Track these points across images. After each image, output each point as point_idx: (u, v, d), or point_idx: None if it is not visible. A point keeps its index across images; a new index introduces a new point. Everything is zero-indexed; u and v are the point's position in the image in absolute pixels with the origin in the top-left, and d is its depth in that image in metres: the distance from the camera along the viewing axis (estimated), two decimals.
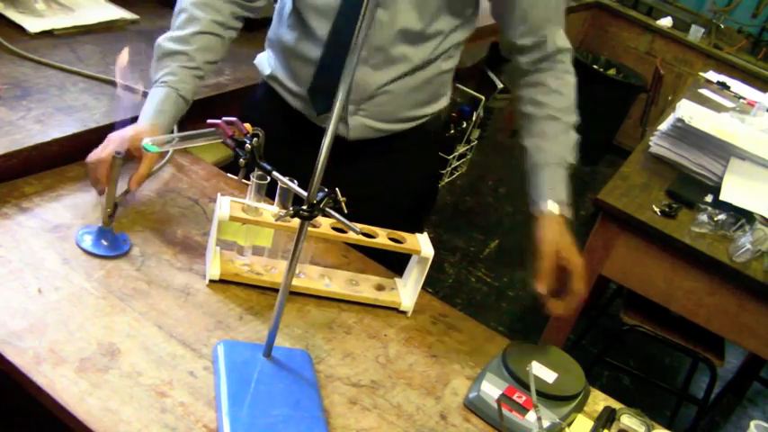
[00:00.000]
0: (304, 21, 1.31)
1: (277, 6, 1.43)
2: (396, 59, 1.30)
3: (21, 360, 0.87)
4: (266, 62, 1.47)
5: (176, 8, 1.31)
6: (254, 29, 2.01)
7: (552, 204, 1.26)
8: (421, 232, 1.22)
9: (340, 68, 1.34)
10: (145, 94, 1.26)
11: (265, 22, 2.08)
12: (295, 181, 0.96)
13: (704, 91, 3.43)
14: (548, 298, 1.17)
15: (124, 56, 1.20)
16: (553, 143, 1.32)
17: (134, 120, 1.22)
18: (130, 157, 1.15)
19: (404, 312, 1.19)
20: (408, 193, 1.52)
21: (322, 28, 1.29)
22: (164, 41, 1.27)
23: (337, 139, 1.37)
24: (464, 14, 1.34)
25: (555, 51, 1.34)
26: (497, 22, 1.37)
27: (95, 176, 1.14)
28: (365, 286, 1.19)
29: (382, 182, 1.46)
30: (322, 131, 1.38)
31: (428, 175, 1.60)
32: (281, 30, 1.40)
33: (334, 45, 1.29)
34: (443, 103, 1.48)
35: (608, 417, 1.09)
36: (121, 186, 1.18)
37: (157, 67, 1.27)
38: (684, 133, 2.35)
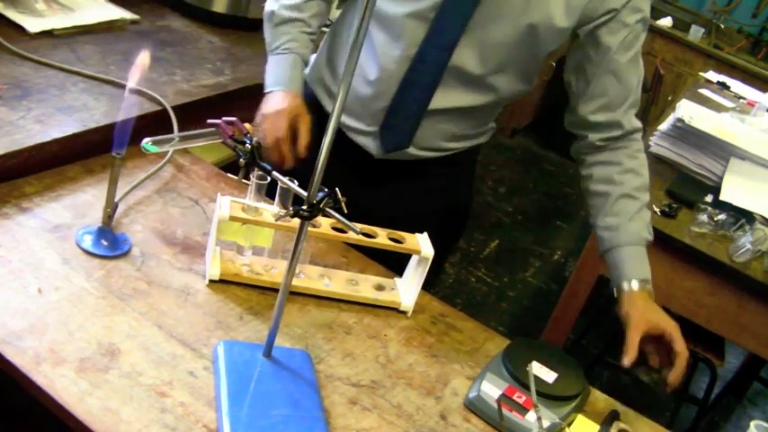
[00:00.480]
0: (377, 21, 1.28)
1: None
2: (446, 93, 1.28)
3: (21, 360, 0.87)
4: (311, 61, 1.46)
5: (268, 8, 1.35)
6: (253, 29, 2.01)
7: (635, 283, 1.22)
8: (443, 263, 1.19)
9: (416, 109, 1.31)
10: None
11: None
12: (295, 181, 0.96)
13: (704, 91, 3.43)
14: (665, 376, 1.15)
15: (146, 59, 1.19)
16: (631, 222, 1.27)
17: (138, 118, 1.21)
18: (292, 127, 1.21)
19: (404, 312, 1.19)
20: (434, 219, 1.42)
21: (390, 49, 1.27)
22: (279, 9, 1.30)
23: (364, 155, 1.37)
24: (528, 79, 1.32)
25: (630, 131, 1.30)
26: (568, 91, 1.32)
27: (280, 155, 1.19)
28: (365, 286, 1.19)
29: (407, 205, 1.42)
30: (354, 146, 1.39)
31: (460, 203, 1.55)
32: (342, 23, 1.39)
33: (410, 83, 1.28)
34: (485, 138, 1.45)
35: (611, 419, 1.09)
36: (121, 187, 1.18)
37: (275, 33, 1.30)
38: (684, 133, 2.35)
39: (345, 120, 1.36)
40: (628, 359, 1.13)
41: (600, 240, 1.29)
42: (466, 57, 1.24)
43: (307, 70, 1.44)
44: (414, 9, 1.22)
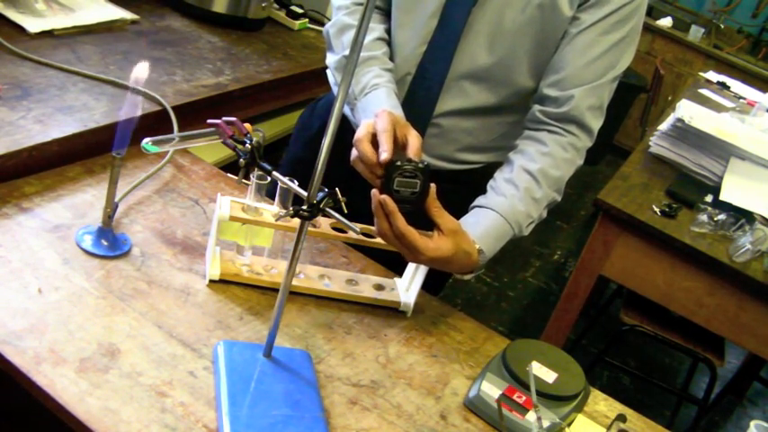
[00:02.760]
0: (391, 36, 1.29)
1: None
2: (457, 93, 1.27)
3: (21, 360, 0.87)
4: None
5: (333, 28, 1.30)
6: (253, 29, 2.01)
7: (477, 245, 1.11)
8: (443, 285, 1.14)
9: (429, 106, 1.28)
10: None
11: (265, 23, 2.10)
12: (295, 181, 0.96)
13: (704, 91, 3.43)
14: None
15: (144, 70, 1.18)
16: (520, 202, 1.17)
17: (142, 118, 1.20)
18: (396, 142, 1.05)
19: (404, 312, 1.19)
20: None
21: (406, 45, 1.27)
22: (346, 42, 1.26)
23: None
24: (540, 73, 1.26)
25: (574, 119, 1.21)
26: None
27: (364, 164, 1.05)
28: (365, 286, 1.19)
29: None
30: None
31: None
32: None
33: (421, 81, 1.27)
34: (502, 156, 1.30)
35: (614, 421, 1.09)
36: (121, 187, 1.18)
37: (354, 80, 1.22)
38: (684, 133, 2.35)
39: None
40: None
41: (487, 186, 1.21)
42: (475, 44, 1.23)
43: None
44: (424, 11, 1.23)
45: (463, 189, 1.29)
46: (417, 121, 1.27)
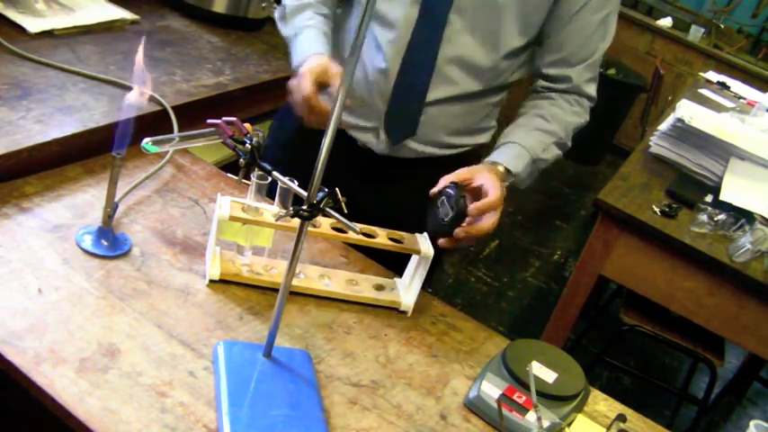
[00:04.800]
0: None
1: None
2: (443, 80, 1.29)
3: (21, 360, 0.87)
4: None
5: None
6: (253, 29, 2.01)
7: (501, 167, 1.21)
8: (434, 269, 1.17)
9: (418, 94, 1.29)
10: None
11: (265, 23, 2.09)
12: (295, 181, 0.96)
13: (704, 91, 3.43)
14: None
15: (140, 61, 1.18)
16: (529, 134, 1.27)
17: (138, 118, 1.21)
18: (324, 85, 1.17)
19: (404, 312, 1.19)
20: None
21: (385, 41, 1.28)
22: (288, 5, 1.32)
23: (366, 151, 1.37)
24: (527, 55, 1.33)
25: (576, 91, 1.32)
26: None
27: (311, 113, 1.16)
28: (365, 286, 1.19)
29: (404, 206, 1.39)
30: (353, 143, 1.38)
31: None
32: (343, 22, 1.40)
33: (409, 69, 1.28)
34: (486, 137, 1.44)
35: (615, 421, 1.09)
36: (121, 187, 1.18)
37: (289, 24, 1.30)
38: (684, 133, 2.35)
39: (346, 117, 1.36)
40: (436, 187, 1.14)
41: (496, 142, 1.31)
42: (460, 24, 1.26)
43: None
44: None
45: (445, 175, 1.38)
46: (408, 112, 1.28)
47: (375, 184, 1.41)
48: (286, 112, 1.53)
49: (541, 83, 1.34)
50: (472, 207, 1.11)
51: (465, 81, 1.30)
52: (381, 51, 1.29)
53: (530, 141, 1.27)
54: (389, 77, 1.30)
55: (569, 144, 1.34)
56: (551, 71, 1.31)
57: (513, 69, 1.34)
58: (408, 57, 1.28)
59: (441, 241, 1.13)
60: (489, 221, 1.12)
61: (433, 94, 1.31)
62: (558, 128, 1.30)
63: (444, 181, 1.15)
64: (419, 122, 1.33)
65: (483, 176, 1.16)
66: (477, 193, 1.14)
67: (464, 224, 1.12)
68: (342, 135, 1.36)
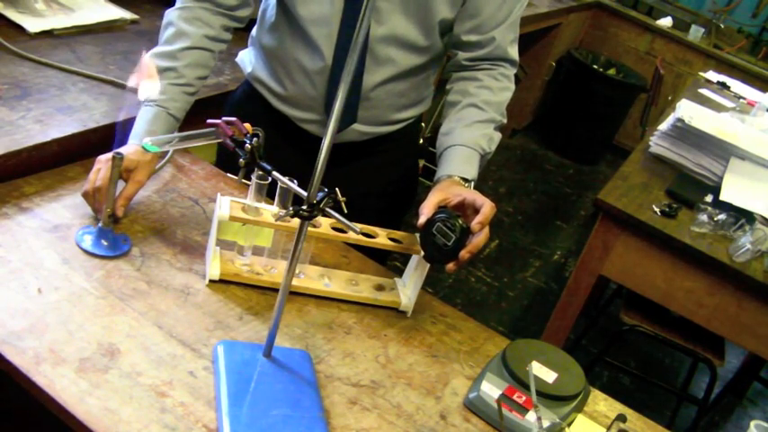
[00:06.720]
0: (297, 27, 1.29)
1: (261, 7, 1.40)
2: (383, 62, 1.29)
3: (21, 360, 0.87)
4: (248, 60, 1.45)
5: (164, 20, 1.27)
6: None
7: (456, 179, 1.22)
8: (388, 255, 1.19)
9: (354, 82, 1.30)
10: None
11: None
12: (295, 181, 0.96)
13: (704, 91, 3.43)
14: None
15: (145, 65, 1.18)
16: (469, 128, 1.28)
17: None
18: (124, 178, 1.13)
19: (404, 312, 1.19)
20: (385, 194, 1.50)
21: (320, 37, 1.27)
22: (152, 57, 1.22)
23: (315, 140, 1.37)
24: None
25: (500, 57, 1.32)
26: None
27: (95, 203, 1.12)
28: (365, 286, 1.19)
29: (361, 185, 1.41)
30: (303, 132, 1.39)
31: (407, 175, 1.57)
32: (263, 31, 1.38)
33: (342, 56, 1.27)
34: (426, 105, 1.47)
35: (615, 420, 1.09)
36: (122, 186, 1.18)
37: (159, 53, 1.24)
38: (684, 133, 2.35)
39: (293, 112, 1.37)
40: (422, 218, 1.12)
41: (438, 146, 1.31)
42: (408, 30, 1.26)
43: (243, 66, 1.45)
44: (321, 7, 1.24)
45: (397, 144, 1.46)
46: (348, 101, 1.29)
47: (333, 170, 1.41)
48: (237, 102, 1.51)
49: (463, 55, 1.33)
50: (475, 223, 1.10)
51: (403, 58, 1.30)
52: (318, 48, 1.28)
53: (473, 138, 1.27)
54: (326, 72, 1.30)
55: (506, 120, 1.35)
56: (472, 37, 1.30)
57: (448, 38, 1.35)
58: (340, 48, 1.28)
59: (449, 267, 1.12)
60: (484, 233, 1.12)
61: (374, 78, 1.31)
62: (494, 112, 1.31)
63: (425, 211, 1.13)
64: (362, 108, 1.34)
65: (456, 191, 1.16)
66: (461, 209, 1.15)
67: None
68: (292, 126, 1.39)
